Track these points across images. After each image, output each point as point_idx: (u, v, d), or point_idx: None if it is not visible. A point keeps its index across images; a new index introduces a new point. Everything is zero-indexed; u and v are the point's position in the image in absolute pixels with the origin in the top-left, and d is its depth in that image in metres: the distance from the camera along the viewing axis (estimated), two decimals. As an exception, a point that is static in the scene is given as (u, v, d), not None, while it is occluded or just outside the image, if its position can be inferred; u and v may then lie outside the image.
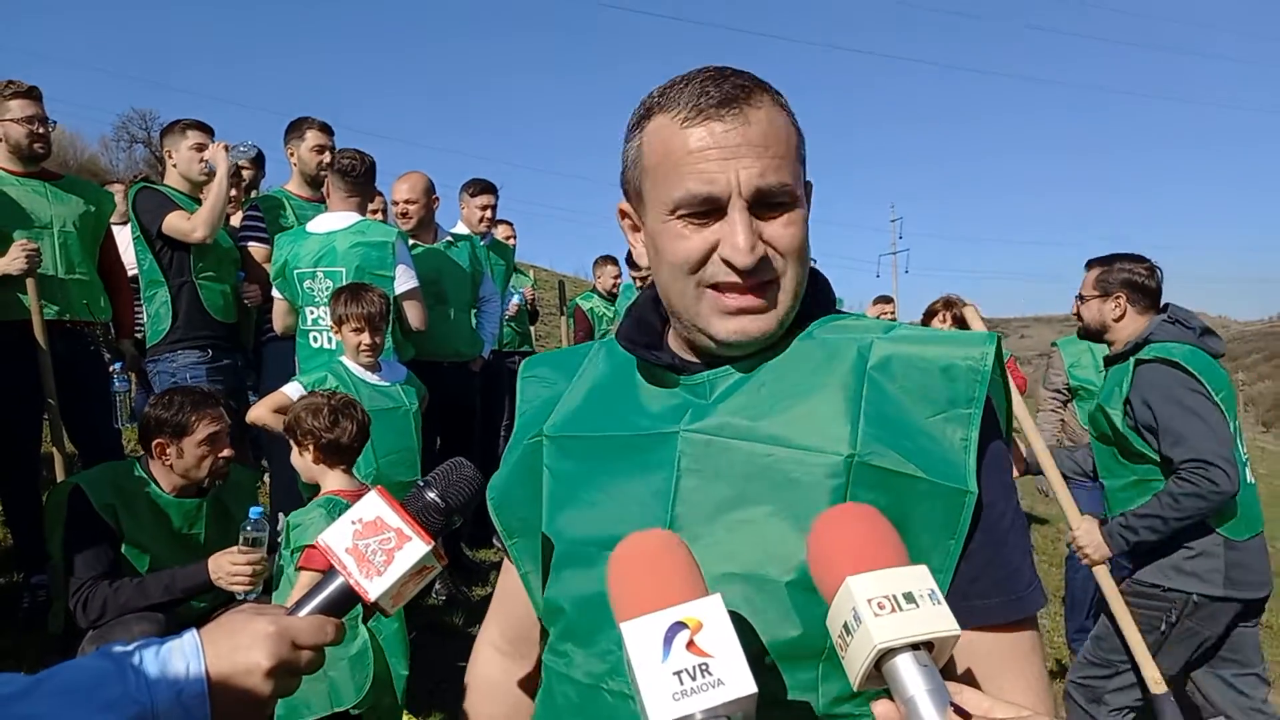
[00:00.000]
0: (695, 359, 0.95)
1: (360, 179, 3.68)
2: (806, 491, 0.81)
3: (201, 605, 2.58)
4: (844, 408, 0.83)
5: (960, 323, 4.01)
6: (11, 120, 3.45)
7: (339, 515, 2.18)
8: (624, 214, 0.99)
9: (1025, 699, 0.80)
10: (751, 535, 0.83)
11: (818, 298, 0.97)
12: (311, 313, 3.58)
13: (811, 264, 0.94)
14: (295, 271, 3.57)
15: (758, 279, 0.86)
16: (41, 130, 3.52)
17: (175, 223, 3.61)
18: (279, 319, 3.73)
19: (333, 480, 2.46)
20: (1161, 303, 2.86)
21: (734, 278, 0.86)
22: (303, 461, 2.48)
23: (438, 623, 3.84)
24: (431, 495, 0.91)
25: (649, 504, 0.88)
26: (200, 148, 3.79)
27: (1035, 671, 0.84)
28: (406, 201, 4.23)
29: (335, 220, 3.63)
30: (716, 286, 0.87)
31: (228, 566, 2.33)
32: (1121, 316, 2.84)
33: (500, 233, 6.01)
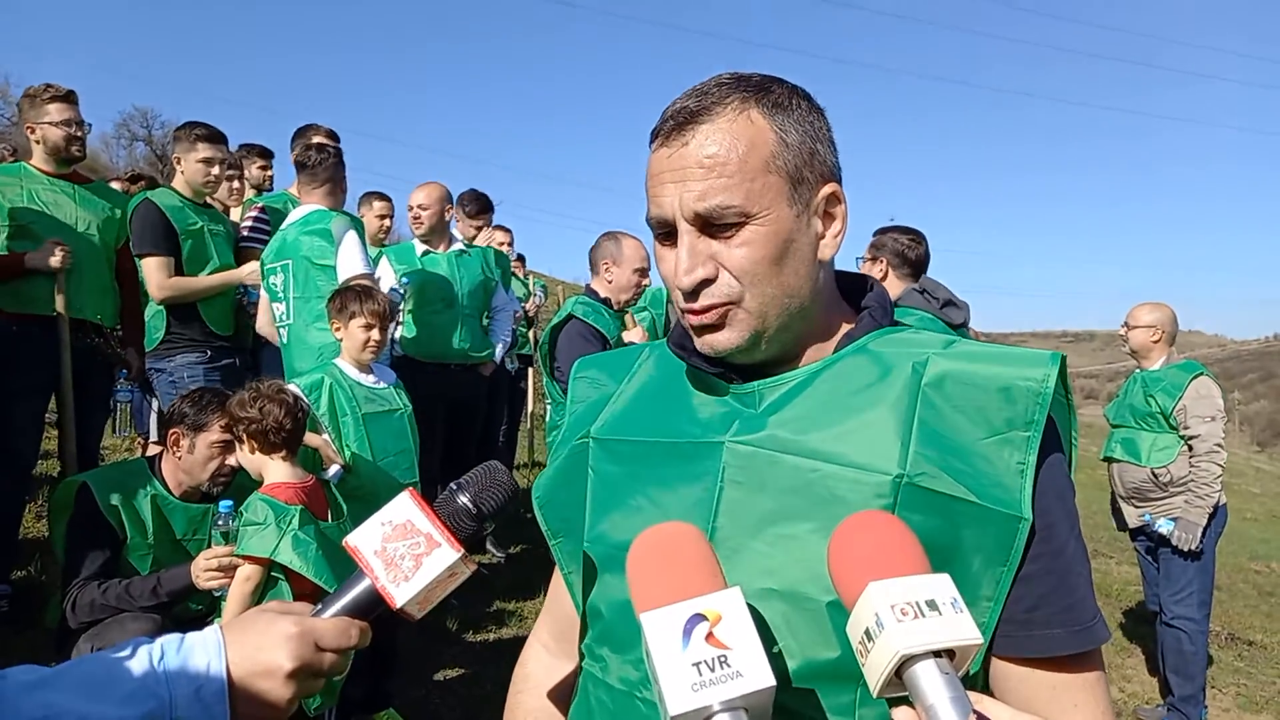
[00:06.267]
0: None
1: (311, 169, 3.61)
2: (851, 510, 0.76)
3: (198, 608, 2.56)
4: (895, 425, 0.81)
5: None
6: (49, 123, 3.52)
7: (283, 524, 2.20)
8: None
9: None
10: (793, 551, 0.80)
11: (873, 310, 0.95)
12: (278, 308, 3.55)
13: (863, 272, 0.93)
14: (266, 268, 3.56)
15: (705, 301, 0.86)
16: (79, 134, 3.59)
17: (149, 268, 3.59)
18: (261, 314, 3.71)
19: (275, 471, 2.42)
20: (923, 275, 3.28)
21: (687, 300, 0.88)
22: (244, 456, 2.45)
23: (429, 628, 3.80)
24: (464, 500, 0.89)
25: (691, 512, 0.86)
26: (209, 162, 3.76)
27: (1103, 708, 0.80)
28: (420, 207, 4.46)
29: (295, 214, 3.63)
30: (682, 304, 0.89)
31: (202, 564, 2.31)
32: (883, 279, 3.25)
33: (497, 238, 6.04)
